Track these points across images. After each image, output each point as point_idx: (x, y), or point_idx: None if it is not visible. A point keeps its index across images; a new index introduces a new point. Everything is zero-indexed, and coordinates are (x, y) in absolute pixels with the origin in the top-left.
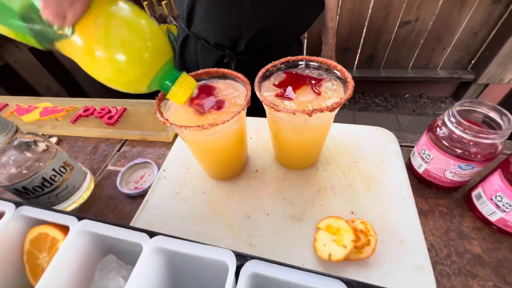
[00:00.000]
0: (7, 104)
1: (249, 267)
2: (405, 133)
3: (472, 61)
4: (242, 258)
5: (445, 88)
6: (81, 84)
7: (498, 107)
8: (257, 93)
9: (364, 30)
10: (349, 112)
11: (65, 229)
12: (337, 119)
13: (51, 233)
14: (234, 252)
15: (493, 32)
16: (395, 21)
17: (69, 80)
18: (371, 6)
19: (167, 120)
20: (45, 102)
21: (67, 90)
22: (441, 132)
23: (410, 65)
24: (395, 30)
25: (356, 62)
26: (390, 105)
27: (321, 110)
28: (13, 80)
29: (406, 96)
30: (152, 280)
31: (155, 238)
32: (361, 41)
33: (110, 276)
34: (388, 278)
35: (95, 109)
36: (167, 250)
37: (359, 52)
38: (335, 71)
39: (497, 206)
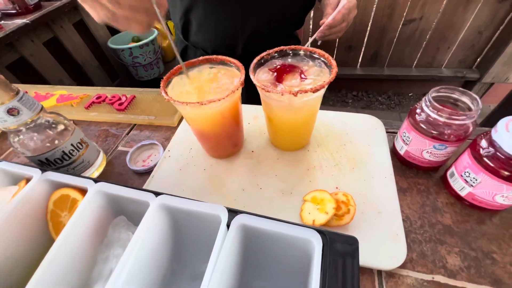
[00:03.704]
0: (26, 91)
1: (238, 219)
2: (392, 121)
3: (477, 60)
4: (233, 213)
5: None
6: (91, 78)
7: (469, 92)
8: (251, 77)
9: (368, 28)
10: (352, 110)
11: (83, 192)
12: None
13: (72, 194)
14: (226, 207)
15: (499, 31)
16: (400, 19)
17: (80, 74)
18: (375, 4)
19: (171, 98)
20: (61, 90)
21: (78, 84)
22: (419, 116)
23: (414, 64)
24: (399, 28)
25: (360, 60)
26: (393, 103)
27: (305, 91)
28: (28, 72)
29: (409, 94)
30: (157, 232)
31: (160, 196)
32: (365, 39)
33: (122, 230)
34: (364, 243)
35: (106, 97)
36: (170, 207)
37: (363, 50)
38: (322, 59)
39: (466, 182)
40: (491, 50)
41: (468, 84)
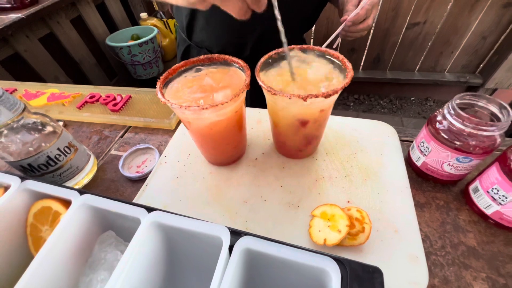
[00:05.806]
0: (16, 89)
1: (242, 243)
2: (406, 128)
3: (480, 66)
4: (236, 235)
5: (452, 92)
6: (88, 76)
7: (498, 100)
8: (257, 77)
9: (372, 30)
10: (353, 113)
11: (67, 203)
12: None
13: (54, 207)
14: (228, 228)
15: (503, 36)
16: (403, 22)
17: (76, 71)
18: (379, 7)
19: (168, 100)
20: (53, 88)
21: (74, 81)
22: (441, 125)
23: (417, 68)
24: (402, 32)
25: (362, 63)
26: (395, 107)
27: (316, 96)
28: (23, 69)
29: (411, 98)
30: (149, 253)
31: (153, 213)
32: (368, 42)
33: (109, 249)
34: (381, 265)
35: (100, 96)
36: (165, 225)
37: (365, 52)
38: (336, 61)
39: (493, 199)
40: (494, 56)
41: (470, 90)
